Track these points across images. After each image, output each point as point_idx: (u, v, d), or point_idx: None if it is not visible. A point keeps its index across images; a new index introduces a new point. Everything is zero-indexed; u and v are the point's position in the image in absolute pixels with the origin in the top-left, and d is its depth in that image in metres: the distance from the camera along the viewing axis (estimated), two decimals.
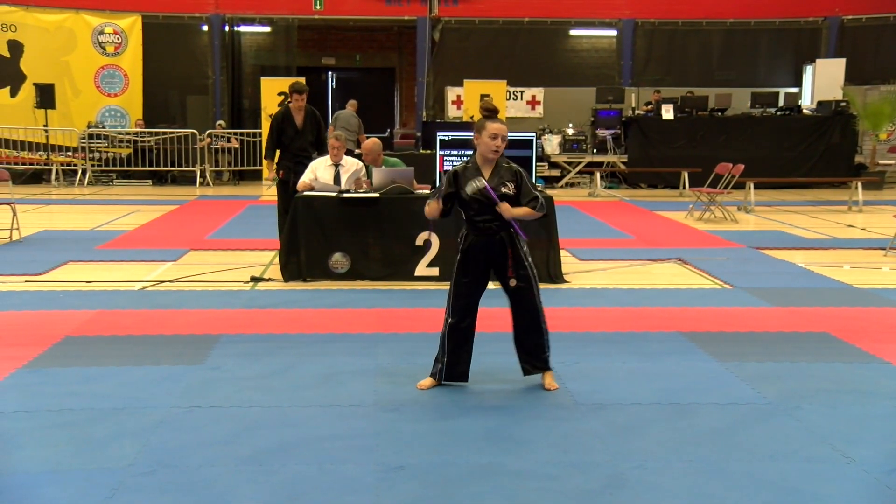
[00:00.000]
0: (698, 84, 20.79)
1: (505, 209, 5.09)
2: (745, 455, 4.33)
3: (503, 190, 5.14)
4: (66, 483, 3.92)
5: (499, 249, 5.21)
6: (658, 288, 8.42)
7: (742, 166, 13.95)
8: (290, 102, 9.79)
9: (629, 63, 21.89)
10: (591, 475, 4.08)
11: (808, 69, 21.56)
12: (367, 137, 9.16)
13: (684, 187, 17.47)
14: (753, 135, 18.86)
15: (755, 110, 19.52)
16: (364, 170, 9.04)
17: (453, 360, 5.30)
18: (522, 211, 5.18)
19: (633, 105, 20.25)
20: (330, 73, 25.89)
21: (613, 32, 22.20)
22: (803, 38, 22.10)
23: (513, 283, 5.20)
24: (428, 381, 5.32)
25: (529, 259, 5.28)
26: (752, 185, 14.87)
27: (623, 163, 19.29)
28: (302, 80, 11.32)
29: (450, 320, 5.28)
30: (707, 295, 8.14)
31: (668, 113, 19.06)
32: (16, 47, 19.77)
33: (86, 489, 3.85)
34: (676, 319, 7.07)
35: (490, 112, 5.31)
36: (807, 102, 20.76)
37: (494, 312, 7.36)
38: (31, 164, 19.35)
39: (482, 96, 19.03)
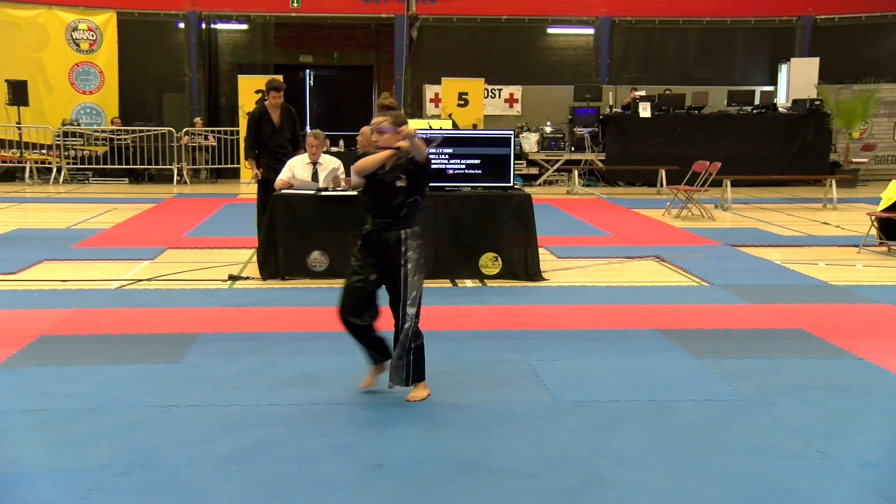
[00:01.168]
0: (675, 82, 20.91)
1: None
2: (722, 451, 4.36)
3: (397, 183, 5.01)
4: (42, 484, 3.88)
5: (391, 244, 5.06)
6: (636, 285, 8.46)
7: (719, 164, 14.05)
8: (266, 100, 9.75)
9: (606, 61, 21.97)
10: (569, 472, 4.09)
11: (784, 68, 21.73)
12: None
13: (662, 185, 17.55)
14: (730, 133, 18.98)
15: (732, 108, 19.66)
16: (342, 168, 9.02)
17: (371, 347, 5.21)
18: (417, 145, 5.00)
19: (611, 103, 20.33)
20: (307, 70, 25.80)
21: (591, 30, 22.28)
22: (778, 37, 22.28)
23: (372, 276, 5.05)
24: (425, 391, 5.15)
25: (409, 266, 5.02)
26: (728, 183, 14.97)
27: (601, 160, 19.36)
28: (279, 77, 11.27)
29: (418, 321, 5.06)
30: (685, 292, 8.18)
31: (645, 111, 19.15)
32: None
33: (61, 490, 3.82)
34: (654, 317, 7.11)
35: (381, 108, 5.24)
36: (782, 101, 20.92)
37: (471, 310, 7.37)
38: (3, 161, 19.15)
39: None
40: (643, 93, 19.94)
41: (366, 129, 9.36)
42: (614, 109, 19.99)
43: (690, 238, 11.46)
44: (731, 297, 7.91)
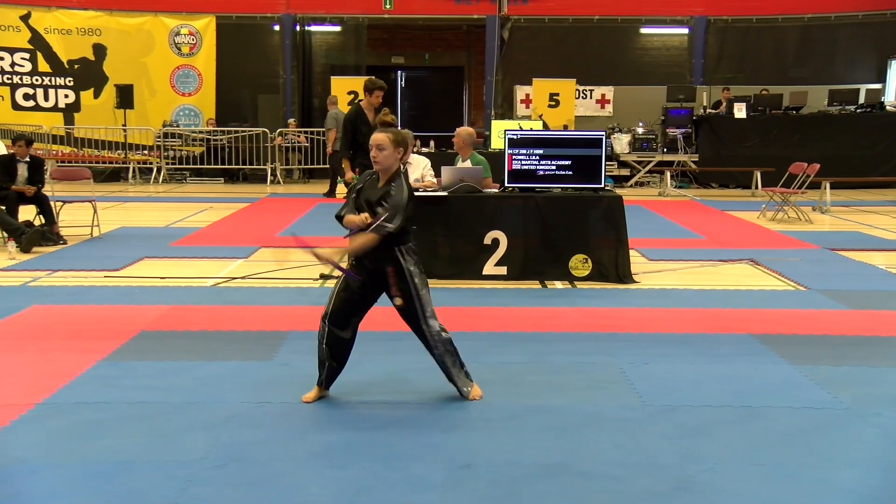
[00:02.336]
0: (771, 82, 20.35)
1: (323, 253, 4.81)
2: (821, 461, 4.23)
3: (378, 209, 4.82)
4: (142, 474, 4.01)
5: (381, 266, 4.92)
6: (729, 289, 8.28)
7: (817, 165, 13.62)
8: (360, 101, 9.88)
9: (701, 61, 21.54)
10: (658, 477, 4.03)
11: (894, 64, 20.81)
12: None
13: (757, 187, 17.14)
14: (830, 133, 18.36)
15: (833, 108, 19.01)
16: (430, 167, 9.07)
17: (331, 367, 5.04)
18: (358, 242, 4.81)
19: (705, 104, 19.93)
20: (399, 72, 26.02)
21: (685, 30, 21.88)
22: (888, 32, 21.30)
23: (397, 301, 4.94)
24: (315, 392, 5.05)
25: (416, 281, 4.94)
26: (827, 185, 14.52)
27: (694, 162, 19.01)
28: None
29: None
30: (780, 296, 7.98)
31: (740, 111, 18.70)
32: (99, 50, 20.35)
33: (160, 480, 3.93)
34: (747, 321, 6.95)
35: (382, 125, 5.10)
36: (891, 99, 20.05)
37: (560, 312, 7.32)
38: (110, 162, 19.87)
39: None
40: (729, 93, 19.45)
41: (461, 130, 9.40)
42: (708, 110, 19.60)
43: (786, 241, 11.17)
44: (830, 302, 7.67)
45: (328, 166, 17.36)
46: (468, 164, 9.10)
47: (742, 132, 18.65)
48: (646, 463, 4.20)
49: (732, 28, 21.55)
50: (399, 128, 5.09)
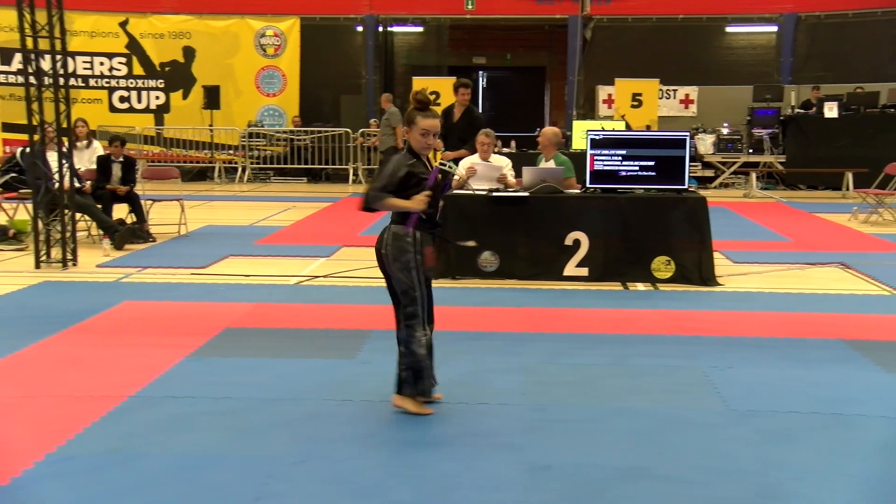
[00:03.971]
0: (865, 79, 19.65)
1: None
2: None
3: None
4: (225, 468, 4.09)
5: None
6: (817, 293, 8.07)
7: None
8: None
9: (789, 59, 20.98)
10: (742, 483, 3.95)
11: None
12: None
13: (848, 188, 16.66)
14: None
15: None
16: (511, 167, 9.06)
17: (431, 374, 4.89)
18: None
19: (793, 103, 19.42)
20: (480, 72, 26.03)
21: (773, 28, 21.36)
22: None
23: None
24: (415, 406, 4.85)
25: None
26: None
27: (780, 163, 18.56)
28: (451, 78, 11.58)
29: (425, 333, 4.84)
30: (872, 301, 7.74)
31: (831, 111, 18.16)
32: (189, 53, 20.89)
33: (242, 475, 4.01)
34: (838, 326, 6.76)
35: (421, 105, 4.85)
36: None
37: (642, 314, 7.23)
38: (197, 162, 20.36)
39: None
40: (819, 92, 18.87)
41: (546, 129, 9.37)
42: (796, 110, 19.10)
43: (880, 244, 10.83)
44: None
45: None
46: (552, 164, 9.06)
47: (833, 132, 18.10)
48: (728, 468, 4.11)
49: (824, 24, 20.92)
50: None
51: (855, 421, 4.74)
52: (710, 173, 18.94)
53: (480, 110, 24.46)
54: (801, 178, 18.57)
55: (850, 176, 16.71)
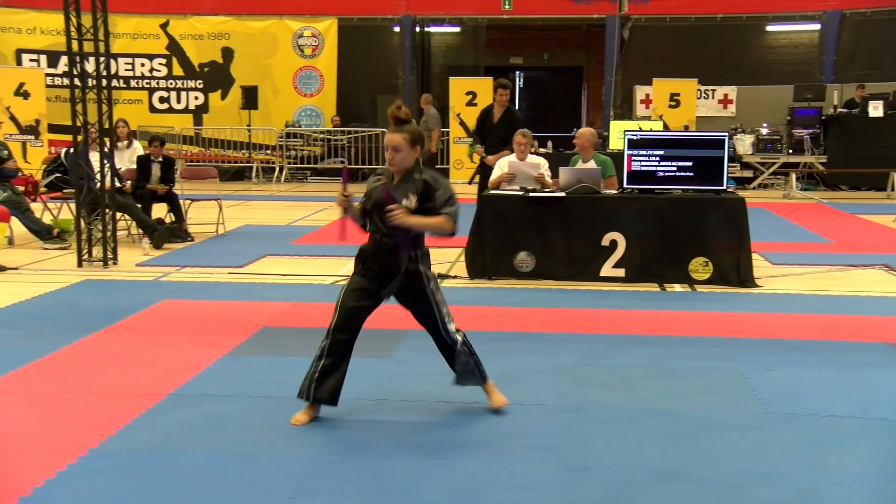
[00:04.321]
0: None
1: (398, 216, 4.53)
2: None
3: (403, 202, 4.57)
4: (263, 466, 4.12)
5: (392, 262, 4.67)
6: (860, 295, 7.96)
7: None
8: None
9: (832, 58, 20.63)
10: (782, 487, 3.90)
11: None
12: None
13: (893, 189, 16.40)
14: None
15: None
16: (548, 168, 9.04)
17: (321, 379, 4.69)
18: (418, 220, 4.59)
19: (835, 102, 19.13)
20: (517, 72, 25.99)
21: (816, 26, 21.03)
22: None
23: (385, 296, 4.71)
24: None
25: (432, 285, 4.75)
26: None
27: (822, 163, 18.31)
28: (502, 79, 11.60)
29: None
30: None
31: (876, 110, 17.85)
32: (228, 54, 21.07)
33: (281, 473, 4.04)
34: (882, 329, 6.66)
35: (395, 121, 4.68)
36: None
37: (679, 316, 7.18)
38: (235, 162, 20.53)
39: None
40: (864, 90, 18.56)
41: (584, 130, 9.33)
42: (839, 109, 18.82)
43: None
44: None
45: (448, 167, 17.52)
46: (591, 164, 9.00)
47: (877, 131, 17.79)
48: (768, 472, 4.07)
49: (871, 21, 20.51)
50: (413, 123, 4.75)
51: None
52: (748, 174, 18.74)
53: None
54: (843, 178, 18.31)
55: (894, 176, 16.44)
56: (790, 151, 18.57)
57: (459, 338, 4.82)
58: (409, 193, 4.60)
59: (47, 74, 19.34)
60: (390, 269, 4.68)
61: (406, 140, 4.61)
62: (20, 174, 11.57)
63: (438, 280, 4.85)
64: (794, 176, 17.23)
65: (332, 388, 4.67)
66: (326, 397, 4.68)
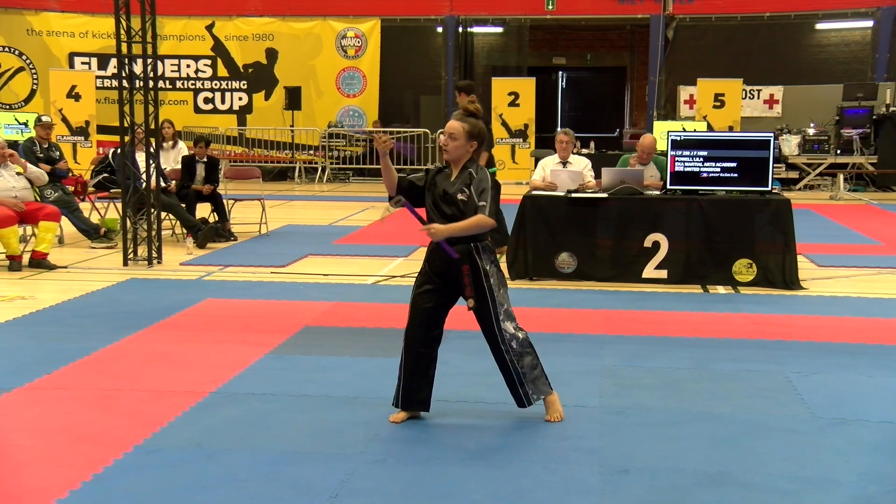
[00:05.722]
0: None
1: (434, 230, 4.50)
2: None
3: (460, 196, 4.54)
4: (306, 464, 4.15)
5: (455, 265, 4.58)
6: None
7: None
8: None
9: (886, 56, 20.13)
10: (832, 494, 3.84)
11: None
12: None
13: None
14: None
15: None
16: (591, 168, 8.99)
17: (411, 386, 4.70)
18: (451, 228, 4.51)
19: (888, 101, 18.72)
20: (560, 72, 25.88)
21: (869, 23, 20.57)
22: None
23: (470, 303, 4.59)
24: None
25: (491, 280, 4.62)
26: None
27: (872, 164, 17.98)
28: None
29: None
30: None
31: None
32: (272, 54, 21.25)
33: (323, 472, 4.05)
34: None
35: (464, 112, 4.68)
36: None
37: (723, 318, 7.09)
38: (278, 162, 20.69)
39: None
40: None
41: (650, 137, 9.26)
42: (891, 108, 18.43)
43: None
44: None
45: None
46: (651, 167, 8.96)
47: None
48: (817, 478, 4.01)
49: None
50: (477, 119, 4.67)
51: None
52: (794, 175, 18.46)
53: (560, 111, 24.38)
54: (894, 179, 17.96)
55: None
56: (838, 152, 18.25)
57: (521, 335, 4.71)
58: (463, 187, 4.58)
59: (97, 77, 19.68)
60: (446, 261, 4.62)
61: (464, 130, 4.58)
62: (70, 174, 11.77)
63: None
64: (841, 176, 16.96)
65: (423, 395, 4.73)
66: (417, 405, 4.74)
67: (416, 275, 4.90)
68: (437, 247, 4.63)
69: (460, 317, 6.96)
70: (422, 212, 4.71)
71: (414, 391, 4.71)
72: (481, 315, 4.66)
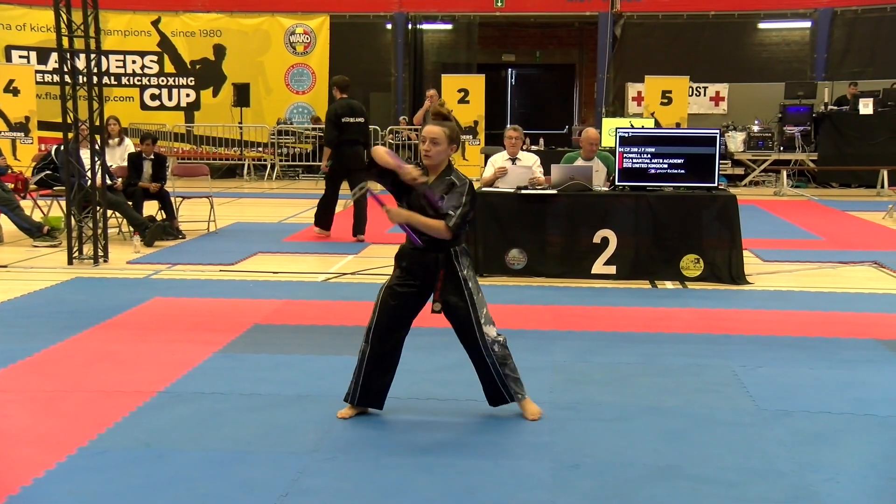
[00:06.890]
0: None
1: (394, 213, 4.54)
2: None
3: (440, 203, 4.50)
4: (256, 463, 4.11)
5: (432, 269, 4.57)
6: (850, 292, 7.98)
7: None
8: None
9: (824, 56, 20.65)
10: (775, 484, 3.91)
11: None
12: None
13: (883, 186, 16.46)
14: None
15: None
16: (540, 164, 9.05)
17: (369, 385, 4.69)
18: (411, 215, 4.52)
19: (827, 100, 19.17)
20: (510, 69, 25.99)
21: (807, 24, 21.06)
22: None
23: (437, 306, 4.56)
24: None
25: (470, 285, 4.60)
26: None
27: (813, 161, 18.36)
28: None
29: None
30: None
31: (866, 107, 17.90)
32: (219, 51, 21.03)
33: (273, 471, 4.02)
34: (872, 326, 6.68)
35: (436, 116, 4.65)
36: None
37: (671, 313, 7.18)
38: (226, 159, 20.48)
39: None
40: (856, 88, 18.58)
41: (593, 130, 9.36)
42: (830, 107, 18.86)
43: None
44: None
45: None
46: (596, 161, 9.08)
47: (868, 129, 17.84)
48: (762, 469, 4.08)
49: (862, 19, 20.53)
50: (454, 122, 4.67)
51: (890, 422, 4.68)
52: (740, 171, 18.78)
53: (509, 108, 24.49)
54: (833, 176, 18.37)
55: (885, 173, 16.50)
56: (781, 149, 18.62)
57: (502, 339, 4.70)
58: (442, 194, 4.53)
59: (37, 71, 19.27)
60: (422, 264, 4.60)
61: (446, 135, 4.57)
62: (9, 171, 11.53)
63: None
64: (785, 173, 17.28)
65: (379, 394, 4.73)
66: (371, 403, 4.74)
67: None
68: (414, 249, 4.60)
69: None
70: (387, 199, 4.65)
71: (371, 389, 4.70)
72: (460, 319, 4.61)
